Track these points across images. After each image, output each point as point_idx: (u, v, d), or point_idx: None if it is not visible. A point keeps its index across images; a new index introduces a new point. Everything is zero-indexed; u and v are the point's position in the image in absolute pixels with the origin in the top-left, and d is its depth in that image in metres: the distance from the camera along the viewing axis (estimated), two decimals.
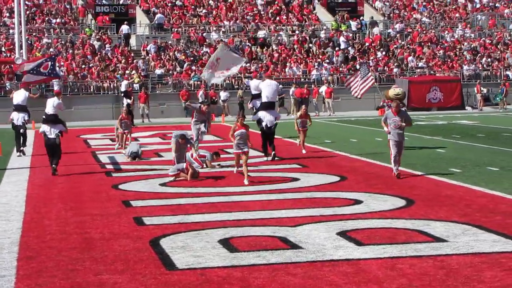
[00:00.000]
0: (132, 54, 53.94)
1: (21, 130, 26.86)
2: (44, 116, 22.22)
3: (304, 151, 24.86)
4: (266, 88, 23.32)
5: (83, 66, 50.24)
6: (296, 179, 19.23)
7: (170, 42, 55.66)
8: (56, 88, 32.22)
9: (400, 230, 12.90)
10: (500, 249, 11.35)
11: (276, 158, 23.10)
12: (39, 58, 24.37)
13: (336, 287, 9.52)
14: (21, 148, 26.89)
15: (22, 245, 12.31)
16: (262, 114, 23.32)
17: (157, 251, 11.65)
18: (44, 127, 21.81)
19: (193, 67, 51.33)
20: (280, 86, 25.88)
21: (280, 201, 16.15)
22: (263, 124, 23.20)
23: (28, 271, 10.64)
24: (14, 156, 26.62)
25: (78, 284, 9.90)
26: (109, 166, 23.22)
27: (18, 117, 26.85)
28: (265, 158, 23.36)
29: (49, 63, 24.10)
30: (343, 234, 12.63)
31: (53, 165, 21.25)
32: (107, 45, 54.09)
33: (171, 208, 15.54)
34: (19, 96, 27.09)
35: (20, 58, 44.98)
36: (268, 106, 23.31)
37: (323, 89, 49.32)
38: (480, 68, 56.24)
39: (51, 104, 22.02)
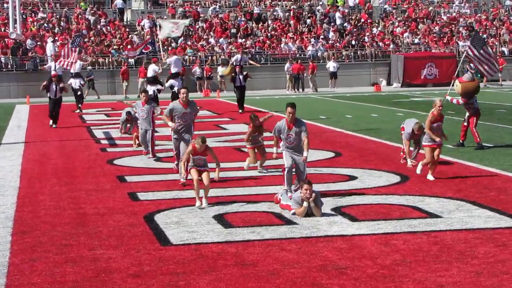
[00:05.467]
0: (127, 29, 53.70)
1: (78, 92, 34.36)
2: (146, 78, 31.45)
3: (431, 177, 15.50)
4: (174, 62, 31.24)
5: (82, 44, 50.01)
6: None
7: (165, 17, 55.41)
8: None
9: (395, 206, 12.92)
10: (494, 225, 11.38)
11: None
12: (140, 45, 35.16)
13: (330, 262, 9.54)
14: (79, 106, 34.30)
15: (16, 220, 12.31)
16: (172, 81, 30.95)
17: (152, 227, 11.66)
18: (147, 87, 30.10)
19: (188, 42, 51.12)
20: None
21: (275, 177, 16.15)
22: (175, 88, 30.13)
23: (23, 245, 10.64)
24: (8, 131, 26.63)
25: (72, 259, 9.90)
26: (104, 142, 23.19)
27: (75, 82, 34.12)
28: None
29: (150, 46, 32.91)
30: (337, 210, 12.65)
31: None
32: (102, 20, 53.83)
33: (166, 183, 15.54)
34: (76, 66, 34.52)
35: (14, 33, 44.61)
36: (176, 76, 31.02)
37: (330, 64, 49.18)
38: None
39: (151, 69, 30.69)
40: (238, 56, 34.30)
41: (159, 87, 30.59)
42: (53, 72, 30.36)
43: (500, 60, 51.13)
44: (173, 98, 30.36)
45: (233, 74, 32.22)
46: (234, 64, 33.11)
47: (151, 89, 29.79)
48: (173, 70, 31.30)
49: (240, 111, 31.84)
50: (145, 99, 19.59)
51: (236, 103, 32.81)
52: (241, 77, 31.82)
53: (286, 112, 13.59)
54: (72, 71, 33.52)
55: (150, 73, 31.04)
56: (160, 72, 31.27)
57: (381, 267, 9.31)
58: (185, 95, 15.66)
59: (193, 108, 15.86)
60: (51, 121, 27.55)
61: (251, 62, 39.49)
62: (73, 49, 31.21)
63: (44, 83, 28.02)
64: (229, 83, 45.65)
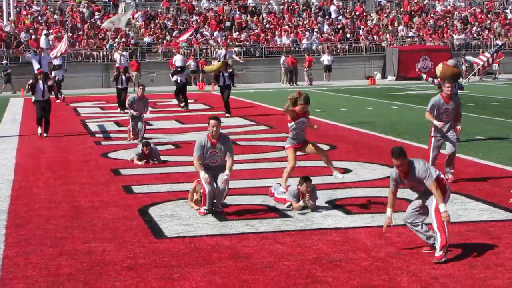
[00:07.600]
0: None
1: (58, 81, 36.41)
2: (173, 69, 32.29)
3: None
4: (178, 59, 33.33)
5: (70, 34, 49.88)
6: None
7: (159, 10, 55.31)
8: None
9: None
10: (488, 218, 11.40)
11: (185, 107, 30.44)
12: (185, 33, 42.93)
13: (324, 255, 9.55)
14: (61, 95, 36.35)
15: (11, 213, 12.30)
16: (176, 76, 30.94)
17: (146, 220, 11.66)
18: (175, 76, 30.89)
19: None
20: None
21: (269, 170, 16.16)
22: (178, 81, 30.53)
23: (17, 238, 10.64)
24: (2, 125, 26.59)
25: (67, 252, 9.90)
26: (98, 135, 23.16)
27: (59, 73, 37.25)
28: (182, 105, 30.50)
29: (194, 33, 38.89)
30: (332, 202, 12.66)
31: (182, 103, 30.50)
32: (96, 13, 53.71)
33: (160, 176, 15.54)
34: (57, 59, 37.09)
35: (8, 26, 44.64)
36: (180, 71, 31.26)
37: (324, 57, 49.21)
38: (470, 37, 56.17)
39: (179, 59, 33.42)
40: (223, 51, 30.53)
41: (185, 76, 32.22)
42: (37, 69, 27.64)
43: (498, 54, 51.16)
44: (177, 92, 31.09)
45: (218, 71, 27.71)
46: (218, 60, 29.83)
47: (183, 77, 31.12)
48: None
49: (227, 115, 27.10)
50: (141, 91, 21.15)
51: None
52: (226, 75, 27.35)
53: (209, 126, 11.99)
54: (56, 62, 35.23)
55: (179, 63, 32.56)
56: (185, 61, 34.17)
57: (375, 259, 9.33)
58: (214, 128, 11.89)
59: (226, 144, 12.10)
60: (40, 129, 23.02)
61: (235, 57, 35.67)
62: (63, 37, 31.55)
63: (30, 81, 23.31)
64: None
